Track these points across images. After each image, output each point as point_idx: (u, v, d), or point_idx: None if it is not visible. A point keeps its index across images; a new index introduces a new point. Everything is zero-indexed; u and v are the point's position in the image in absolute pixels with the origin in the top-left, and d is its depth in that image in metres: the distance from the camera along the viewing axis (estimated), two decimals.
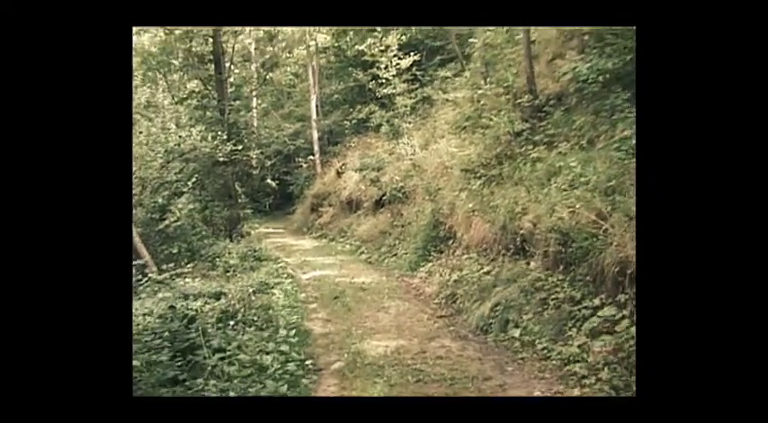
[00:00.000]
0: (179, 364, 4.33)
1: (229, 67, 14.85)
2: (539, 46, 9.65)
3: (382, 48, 14.53)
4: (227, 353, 4.75)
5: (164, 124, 13.26)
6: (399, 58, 14.45)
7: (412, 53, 14.65)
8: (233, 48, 15.71)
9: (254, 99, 21.90)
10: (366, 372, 5.19)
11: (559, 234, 6.00)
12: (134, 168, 10.95)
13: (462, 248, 8.53)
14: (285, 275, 9.77)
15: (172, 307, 5.41)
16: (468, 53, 12.77)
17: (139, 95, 14.48)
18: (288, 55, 23.02)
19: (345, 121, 18.11)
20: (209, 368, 4.40)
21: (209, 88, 14.21)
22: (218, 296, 6.65)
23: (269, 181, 19.96)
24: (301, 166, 20.90)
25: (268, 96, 24.79)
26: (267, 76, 21.27)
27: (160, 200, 11.19)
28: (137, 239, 8.73)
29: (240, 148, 13.11)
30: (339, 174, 17.19)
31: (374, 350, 5.79)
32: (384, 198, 13.34)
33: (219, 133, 12.72)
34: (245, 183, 17.07)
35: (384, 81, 14.53)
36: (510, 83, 9.23)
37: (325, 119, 20.46)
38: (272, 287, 8.28)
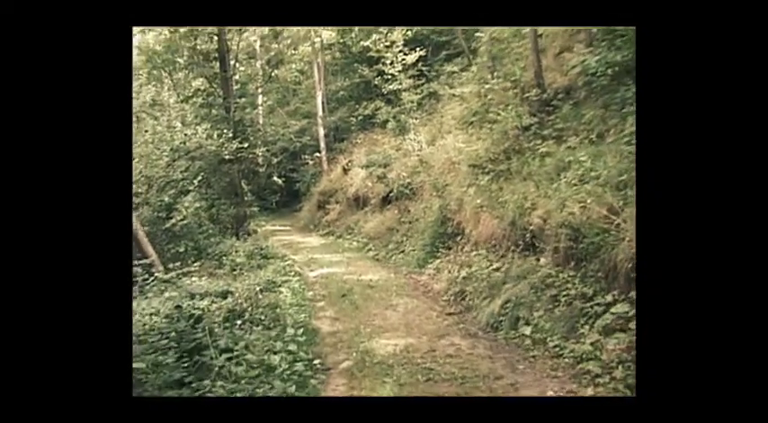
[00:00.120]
0: (185, 365, 4.28)
1: (234, 65, 14.83)
2: (546, 39, 9.55)
3: (388, 43, 14.47)
4: (235, 353, 4.69)
5: (169, 123, 13.27)
6: (405, 54, 14.37)
7: (418, 48, 14.56)
8: (238, 45, 15.68)
9: (260, 96, 21.83)
10: (375, 371, 5.12)
11: (570, 229, 5.90)
12: (140, 167, 10.98)
13: (471, 245, 8.45)
14: (292, 273, 9.73)
15: (178, 306, 5.36)
16: (475, 47, 12.69)
17: (145, 94, 14.46)
18: (293, 52, 22.95)
19: (351, 118, 18.03)
20: (217, 369, 4.34)
21: (215, 86, 14.18)
22: (224, 295, 6.61)
23: (275, 178, 19.91)
24: (307, 163, 20.86)
25: (273, 93, 24.73)
26: (272, 74, 21.17)
27: (166, 198, 11.20)
28: (143, 238, 8.71)
29: (246, 145, 13.06)
30: (345, 170, 17.13)
31: (383, 349, 5.72)
32: (391, 194, 13.28)
33: (225, 131, 12.70)
34: (252, 180, 17.04)
35: (390, 77, 14.45)
36: (517, 77, 9.14)
37: (330, 115, 20.42)
38: (280, 285, 8.24)
